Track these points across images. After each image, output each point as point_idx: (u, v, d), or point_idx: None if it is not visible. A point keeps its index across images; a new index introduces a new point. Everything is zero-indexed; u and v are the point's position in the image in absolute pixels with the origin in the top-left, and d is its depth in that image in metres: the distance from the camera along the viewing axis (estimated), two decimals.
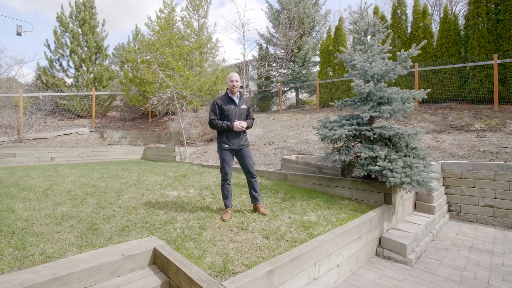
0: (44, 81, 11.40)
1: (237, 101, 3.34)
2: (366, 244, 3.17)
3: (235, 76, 3.33)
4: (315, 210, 3.54)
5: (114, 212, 3.27)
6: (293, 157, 5.96)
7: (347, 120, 4.15)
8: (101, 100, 12.09)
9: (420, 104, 9.55)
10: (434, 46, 9.64)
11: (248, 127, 3.41)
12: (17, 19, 24.87)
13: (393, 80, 4.08)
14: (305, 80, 15.19)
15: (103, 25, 12.59)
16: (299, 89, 16.30)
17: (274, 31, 16.28)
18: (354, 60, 3.93)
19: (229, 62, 17.48)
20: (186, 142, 10.17)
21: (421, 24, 9.81)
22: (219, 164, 7.05)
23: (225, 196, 3.33)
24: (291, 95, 18.15)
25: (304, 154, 6.79)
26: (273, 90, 16.51)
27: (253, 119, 3.62)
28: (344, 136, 3.82)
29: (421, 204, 4.50)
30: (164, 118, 11.68)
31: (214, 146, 9.54)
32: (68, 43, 11.58)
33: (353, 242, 2.94)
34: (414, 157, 3.87)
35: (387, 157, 3.68)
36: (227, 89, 3.37)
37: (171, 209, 3.49)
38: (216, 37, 16.44)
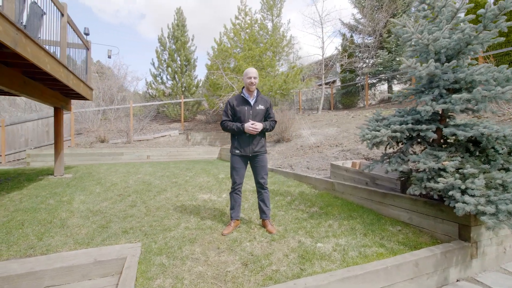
0: (150, 93, 13.98)
1: (251, 101, 2.96)
2: None
3: (252, 72, 2.91)
4: (342, 235, 2.74)
5: (136, 212, 3.50)
6: (348, 163, 4.96)
7: (401, 116, 3.05)
8: (189, 105, 13.79)
9: None
10: None
11: (265, 130, 2.99)
12: (108, 45, 33.46)
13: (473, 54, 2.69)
14: (399, 68, 12.70)
15: (192, 40, 14.33)
16: (391, 80, 13.80)
17: (360, 17, 14.40)
18: (408, 33, 2.81)
19: (306, 58, 16.65)
20: None
21: None
22: (274, 166, 6.73)
23: (232, 206, 3.02)
24: (383, 87, 15.61)
25: (372, 159, 5.56)
26: (359, 84, 14.62)
27: (275, 121, 3.14)
28: (385, 139, 2.79)
29: None
30: None
31: (279, 147, 9.23)
32: (167, 59, 13.78)
33: None
34: None
35: (460, 170, 2.45)
36: (243, 87, 3.03)
37: (186, 214, 3.45)
38: (290, 34, 15.96)
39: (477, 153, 2.74)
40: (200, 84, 14.15)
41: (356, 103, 15.20)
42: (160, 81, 14.01)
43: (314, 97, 16.75)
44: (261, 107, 3.00)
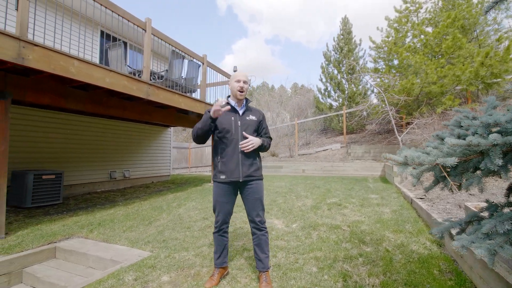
0: (318, 107, 14.40)
1: (240, 110, 2.31)
2: None
3: (242, 75, 2.29)
4: None
5: (195, 225, 3.82)
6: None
7: (488, 125, 1.10)
8: (355, 116, 12.58)
9: None
10: None
11: (261, 147, 2.30)
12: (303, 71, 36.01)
13: None
14: None
15: (359, 44, 13.16)
16: None
17: None
18: None
19: None
20: None
21: None
22: (418, 196, 4.58)
23: (215, 250, 2.35)
24: None
25: None
26: None
27: (270, 138, 2.40)
28: (420, 171, 1.12)
29: None
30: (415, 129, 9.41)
31: None
32: (331, 72, 13.65)
33: None
34: None
35: None
36: (228, 96, 2.41)
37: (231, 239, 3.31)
38: None
39: None
40: (369, 92, 12.57)
41: None
42: (326, 94, 14.08)
43: None
44: (252, 117, 2.32)
